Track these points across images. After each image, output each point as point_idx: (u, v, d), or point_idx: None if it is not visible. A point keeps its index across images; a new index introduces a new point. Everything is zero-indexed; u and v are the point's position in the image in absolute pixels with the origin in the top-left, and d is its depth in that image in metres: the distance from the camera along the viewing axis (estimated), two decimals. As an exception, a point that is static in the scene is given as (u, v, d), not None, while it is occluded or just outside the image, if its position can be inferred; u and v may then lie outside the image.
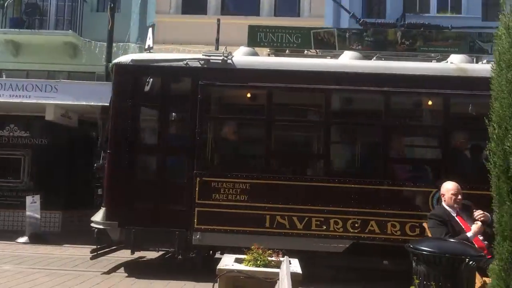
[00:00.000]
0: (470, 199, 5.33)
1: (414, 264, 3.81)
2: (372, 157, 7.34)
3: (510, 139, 2.40)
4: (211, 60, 6.98)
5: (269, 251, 3.48)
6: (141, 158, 7.14)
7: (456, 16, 11.83)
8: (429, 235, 4.90)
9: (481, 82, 5.88)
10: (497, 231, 2.45)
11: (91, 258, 6.85)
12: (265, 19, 12.60)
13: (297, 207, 6.60)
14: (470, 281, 3.34)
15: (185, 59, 7.02)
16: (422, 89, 6.91)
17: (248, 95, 7.30)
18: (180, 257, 6.61)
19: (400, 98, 7.07)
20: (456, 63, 7.24)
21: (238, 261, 3.48)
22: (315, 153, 7.51)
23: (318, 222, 6.58)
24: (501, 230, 2.42)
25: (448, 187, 5.05)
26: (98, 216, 6.83)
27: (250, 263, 3.34)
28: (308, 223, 6.60)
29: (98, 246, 6.88)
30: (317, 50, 7.93)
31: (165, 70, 7.02)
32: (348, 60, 7.25)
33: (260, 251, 3.42)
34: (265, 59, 7.48)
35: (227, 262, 3.41)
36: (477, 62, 7.61)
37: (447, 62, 7.47)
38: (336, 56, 7.60)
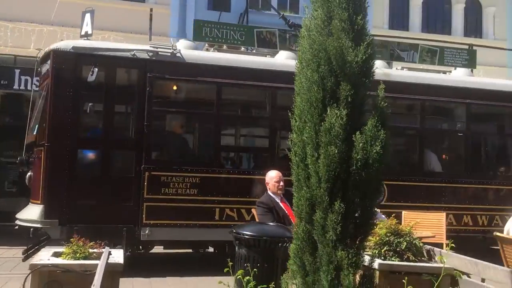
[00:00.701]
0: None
1: (236, 248, 3.95)
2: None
3: (307, 131, 2.65)
4: (159, 53, 6.79)
5: (91, 243, 3.35)
6: (85, 152, 6.83)
7: (296, 16, 11.83)
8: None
9: (402, 86, 7.53)
10: (296, 213, 2.69)
11: (24, 260, 6.23)
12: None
13: (246, 199, 6.67)
14: (285, 261, 3.38)
15: (132, 50, 6.73)
16: None
17: (197, 89, 7.38)
18: (128, 253, 6.33)
19: None
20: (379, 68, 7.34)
21: (56, 255, 3.32)
22: (264, 147, 7.61)
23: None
24: (298, 212, 2.66)
25: (272, 175, 5.17)
26: (31, 214, 6.37)
27: (69, 256, 3.23)
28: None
29: (28, 246, 6.39)
30: (253, 48, 8.05)
31: (111, 59, 6.65)
32: (283, 60, 7.50)
33: (81, 243, 3.27)
34: (214, 55, 7.44)
35: (43, 256, 3.29)
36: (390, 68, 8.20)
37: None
38: (270, 55, 7.83)
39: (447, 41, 10.39)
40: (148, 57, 6.74)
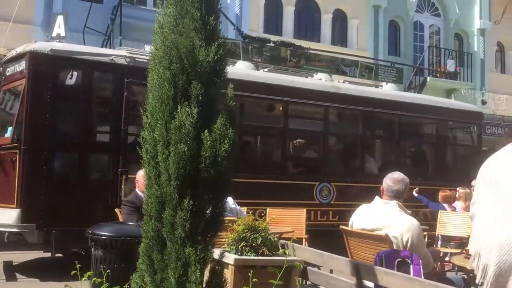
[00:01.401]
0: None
1: (92, 249, 3.89)
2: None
3: (158, 128, 2.64)
4: (136, 59, 6.95)
5: None
6: (62, 155, 6.72)
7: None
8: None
9: (350, 98, 8.75)
10: (145, 212, 2.69)
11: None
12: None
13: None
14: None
15: (110, 55, 6.89)
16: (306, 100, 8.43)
17: None
18: None
19: (292, 106, 8.36)
20: (324, 80, 9.03)
21: None
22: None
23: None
24: (148, 210, 2.66)
25: (142, 173, 4.96)
26: (5, 218, 6.16)
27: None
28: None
29: None
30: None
31: (89, 63, 6.67)
32: (240, 69, 8.16)
33: None
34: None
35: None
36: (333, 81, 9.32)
37: (320, 79, 9.11)
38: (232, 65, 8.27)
39: (344, 53, 11.20)
40: (126, 63, 6.89)
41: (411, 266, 3.42)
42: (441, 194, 8.56)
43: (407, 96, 10.20)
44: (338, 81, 9.41)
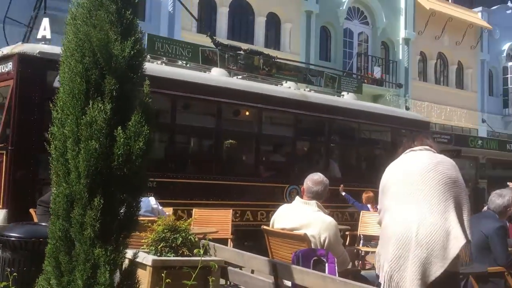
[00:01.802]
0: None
1: (0, 252, 3.70)
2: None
3: (69, 124, 2.53)
4: None
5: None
6: (49, 156, 6.14)
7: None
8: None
9: (317, 106, 9.38)
10: (53, 210, 2.58)
11: None
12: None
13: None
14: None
15: None
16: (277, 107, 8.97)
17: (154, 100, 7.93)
18: None
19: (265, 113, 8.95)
20: (293, 88, 9.58)
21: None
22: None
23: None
24: (56, 209, 2.54)
25: None
26: None
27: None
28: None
29: None
30: (187, 63, 8.99)
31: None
32: (214, 75, 8.60)
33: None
34: (164, 68, 7.99)
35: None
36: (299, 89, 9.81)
37: (289, 87, 9.66)
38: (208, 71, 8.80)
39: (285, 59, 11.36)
40: None
41: (327, 265, 3.51)
42: (364, 196, 8.89)
43: (367, 106, 10.92)
44: (304, 90, 9.91)
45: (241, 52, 9.98)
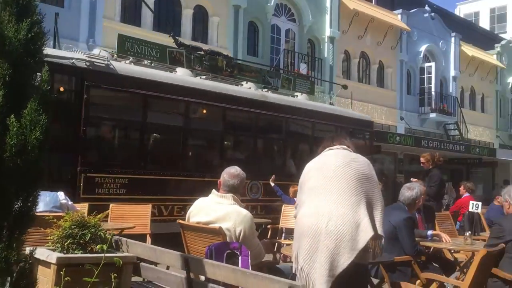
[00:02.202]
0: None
1: None
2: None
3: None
4: (95, 63, 7.54)
5: None
6: None
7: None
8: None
9: (276, 106, 10.13)
10: None
11: None
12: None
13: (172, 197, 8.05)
14: None
15: (71, 58, 7.36)
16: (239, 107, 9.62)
17: (127, 98, 8.38)
18: None
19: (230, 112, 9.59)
20: (253, 89, 10.42)
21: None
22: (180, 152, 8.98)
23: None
24: None
25: None
26: None
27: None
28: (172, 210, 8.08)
29: None
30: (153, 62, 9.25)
31: (51, 66, 5.76)
32: (179, 75, 9.09)
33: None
34: (142, 70, 8.52)
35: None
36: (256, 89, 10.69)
37: (249, 88, 10.33)
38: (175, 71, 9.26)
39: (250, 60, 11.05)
40: (86, 67, 7.43)
41: (240, 258, 3.50)
42: (291, 189, 9.03)
43: (320, 106, 11.96)
44: (261, 90, 10.71)
45: (201, 52, 10.53)
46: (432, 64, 25.16)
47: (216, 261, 3.31)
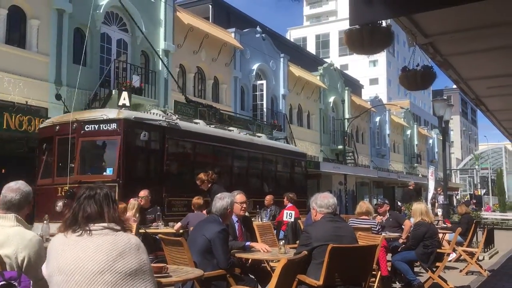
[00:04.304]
0: None
1: None
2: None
3: None
4: (170, 122, 11.15)
5: None
6: (141, 185, 9.42)
7: None
8: None
9: (261, 145, 15.41)
10: None
11: None
12: None
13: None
14: None
15: (158, 120, 10.91)
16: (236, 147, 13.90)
17: (186, 146, 12.11)
18: None
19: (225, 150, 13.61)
20: (237, 132, 14.91)
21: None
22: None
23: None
24: None
25: None
26: None
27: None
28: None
29: None
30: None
31: (150, 126, 10.60)
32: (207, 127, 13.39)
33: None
34: (191, 125, 12.47)
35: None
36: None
37: (232, 131, 14.61)
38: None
39: None
40: (166, 125, 11.03)
41: (18, 289, 2.93)
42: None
43: (278, 144, 17.52)
44: (239, 133, 14.83)
45: (204, 107, 15.20)
46: (264, 82, 26.55)
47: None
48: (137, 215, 8.24)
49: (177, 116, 11.96)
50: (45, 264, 2.42)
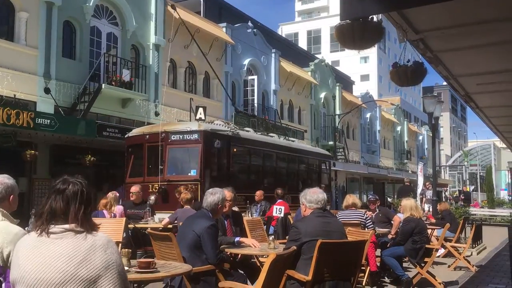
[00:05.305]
0: None
1: None
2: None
3: None
4: (233, 132, 13.50)
5: None
6: (215, 183, 9.09)
7: None
8: None
9: (297, 149, 18.15)
10: None
11: None
12: None
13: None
14: None
15: (226, 130, 13.21)
16: (282, 151, 16.57)
17: (246, 150, 14.73)
18: None
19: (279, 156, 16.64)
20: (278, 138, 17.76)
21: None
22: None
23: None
24: None
25: None
26: None
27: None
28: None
29: None
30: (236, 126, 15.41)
31: (220, 135, 12.77)
32: (259, 135, 16.28)
33: None
34: (251, 134, 15.46)
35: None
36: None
37: (286, 139, 18.25)
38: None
39: None
40: (231, 134, 13.31)
41: (4, 284, 2.90)
42: (101, 202, 8.47)
43: (307, 147, 21.01)
44: (279, 138, 17.71)
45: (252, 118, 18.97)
46: (255, 77, 26.48)
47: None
48: (113, 208, 8.58)
49: (235, 126, 14.72)
50: (11, 267, 2.26)
